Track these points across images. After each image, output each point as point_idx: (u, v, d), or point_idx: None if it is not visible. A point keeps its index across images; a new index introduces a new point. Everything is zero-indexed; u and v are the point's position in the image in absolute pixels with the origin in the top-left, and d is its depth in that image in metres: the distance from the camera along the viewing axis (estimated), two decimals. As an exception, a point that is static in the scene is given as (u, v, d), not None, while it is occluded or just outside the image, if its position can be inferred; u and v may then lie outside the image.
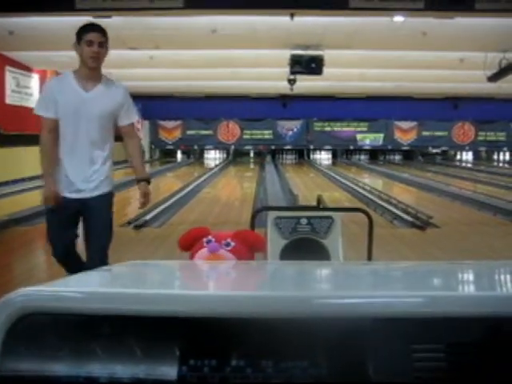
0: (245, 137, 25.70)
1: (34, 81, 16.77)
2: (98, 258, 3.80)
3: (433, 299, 0.89)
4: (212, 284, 1.21)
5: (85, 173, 3.83)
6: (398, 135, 25.91)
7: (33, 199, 11.59)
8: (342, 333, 0.84)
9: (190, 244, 1.81)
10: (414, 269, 1.33)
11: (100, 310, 0.86)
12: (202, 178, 16.94)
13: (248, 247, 1.80)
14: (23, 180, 14.66)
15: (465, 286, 1.21)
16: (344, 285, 1.15)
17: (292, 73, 12.92)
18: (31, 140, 16.00)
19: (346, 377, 0.83)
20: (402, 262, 1.86)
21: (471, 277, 1.26)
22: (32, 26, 10.63)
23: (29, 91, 16.44)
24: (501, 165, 25.54)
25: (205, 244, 1.75)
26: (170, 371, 0.84)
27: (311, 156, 26.35)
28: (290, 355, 0.83)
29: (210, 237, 1.78)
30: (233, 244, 1.75)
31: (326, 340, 0.84)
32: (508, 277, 1.23)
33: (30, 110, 16.32)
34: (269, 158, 25.41)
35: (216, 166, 23.29)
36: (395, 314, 0.85)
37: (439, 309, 0.86)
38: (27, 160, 15.77)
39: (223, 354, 0.84)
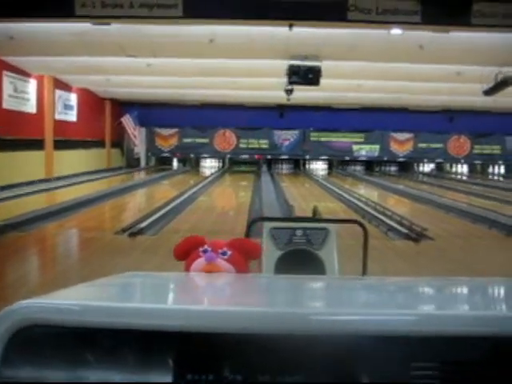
0: (241, 146, 25.73)
1: (32, 86, 16.77)
2: None
3: (428, 318, 0.90)
4: (209, 299, 1.21)
5: None
6: (393, 147, 25.99)
7: (29, 205, 11.58)
8: (337, 349, 0.84)
9: (185, 253, 1.80)
10: (410, 285, 1.34)
11: (97, 323, 0.87)
12: (198, 187, 16.94)
13: (244, 255, 1.81)
14: (20, 185, 14.63)
15: (460, 304, 1.21)
16: (340, 302, 1.16)
17: (289, 83, 12.96)
18: (28, 145, 16.09)
19: None
20: (398, 278, 1.86)
21: (466, 295, 1.26)
22: (32, 32, 10.66)
23: (26, 96, 16.44)
24: (495, 178, 25.63)
25: (201, 253, 1.75)
26: None
27: (307, 166, 26.39)
28: (285, 370, 0.84)
29: (206, 246, 1.76)
30: (229, 253, 1.75)
31: (322, 356, 0.84)
32: (503, 295, 1.23)
33: (27, 115, 16.36)
34: (265, 167, 25.43)
35: (212, 174, 23.30)
36: (391, 332, 0.86)
37: (435, 327, 0.86)
38: (24, 165, 15.77)
39: (220, 368, 0.84)
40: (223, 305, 1.10)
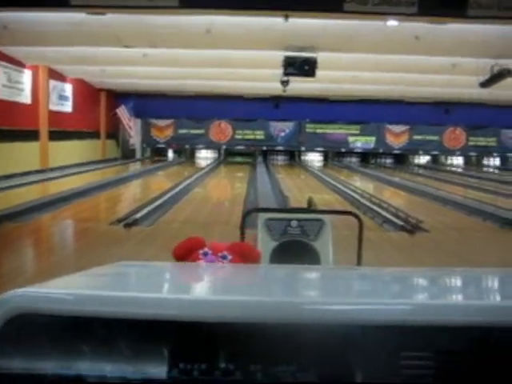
0: (236, 137, 25.71)
1: (26, 76, 16.69)
2: None
3: (421, 307, 0.90)
4: (202, 288, 1.21)
5: None
6: (389, 139, 26.01)
7: (24, 195, 11.55)
8: (330, 339, 0.84)
9: (184, 254, 1.81)
10: (404, 275, 1.34)
11: (91, 313, 0.87)
12: (193, 178, 16.93)
13: (244, 260, 1.81)
14: (15, 176, 14.59)
15: (453, 294, 1.22)
16: (333, 291, 1.16)
17: (285, 74, 12.94)
18: (23, 136, 16.02)
19: (334, 382, 0.84)
20: (392, 268, 1.87)
21: (460, 285, 1.27)
22: (26, 21, 10.58)
23: (20, 86, 16.35)
24: (491, 170, 25.68)
25: (201, 256, 1.75)
26: (160, 373, 0.85)
27: (302, 157, 26.38)
28: (279, 360, 0.84)
29: (206, 249, 1.77)
30: (229, 257, 1.76)
31: (315, 346, 0.84)
32: (496, 285, 1.24)
33: (22, 105, 16.28)
34: (260, 158, 25.42)
35: (207, 165, 23.28)
36: (384, 321, 0.86)
37: (428, 317, 0.86)
38: (19, 156, 15.72)
39: (213, 357, 0.84)
40: (217, 294, 1.10)
